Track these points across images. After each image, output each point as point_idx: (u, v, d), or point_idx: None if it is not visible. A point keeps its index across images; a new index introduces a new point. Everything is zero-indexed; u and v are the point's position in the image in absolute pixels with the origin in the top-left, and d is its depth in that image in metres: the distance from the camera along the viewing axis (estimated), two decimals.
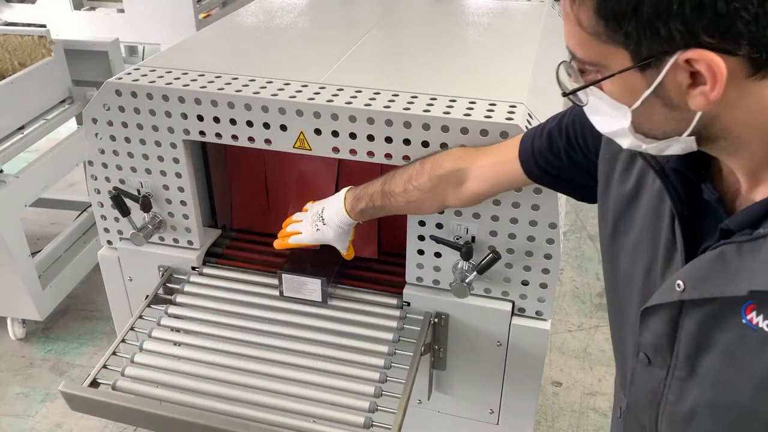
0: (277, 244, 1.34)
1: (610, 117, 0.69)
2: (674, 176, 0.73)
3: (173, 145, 1.32)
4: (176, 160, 1.34)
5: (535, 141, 1.01)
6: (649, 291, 0.77)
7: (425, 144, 1.18)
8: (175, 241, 1.46)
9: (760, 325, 0.63)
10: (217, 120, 1.26)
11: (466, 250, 1.23)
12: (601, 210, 0.90)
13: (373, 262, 1.46)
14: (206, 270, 1.45)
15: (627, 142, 0.69)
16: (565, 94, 0.71)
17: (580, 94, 0.69)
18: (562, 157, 0.97)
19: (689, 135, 0.64)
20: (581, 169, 0.95)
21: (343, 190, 1.25)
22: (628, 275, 0.83)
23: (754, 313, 0.63)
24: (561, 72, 0.71)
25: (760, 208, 0.64)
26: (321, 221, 1.27)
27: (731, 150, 0.65)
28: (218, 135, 1.28)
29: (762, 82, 0.59)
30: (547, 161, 0.99)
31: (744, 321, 0.64)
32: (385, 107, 1.18)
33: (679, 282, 0.70)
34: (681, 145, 0.66)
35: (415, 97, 1.22)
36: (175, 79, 1.30)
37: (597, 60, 0.64)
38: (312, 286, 1.32)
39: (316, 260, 1.37)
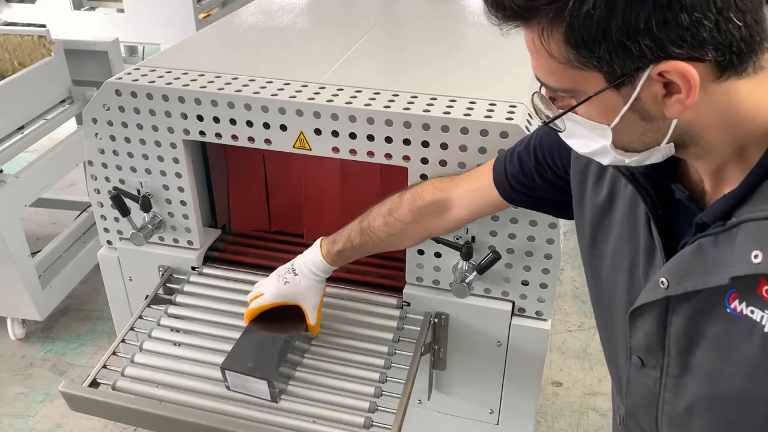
0: (246, 317, 1.24)
1: (588, 138, 0.71)
2: (644, 180, 0.76)
3: (173, 145, 1.32)
4: (176, 160, 1.34)
5: (507, 165, 1.03)
6: (634, 294, 0.78)
7: (425, 144, 1.18)
8: (175, 241, 1.46)
9: (744, 312, 0.64)
10: (217, 120, 1.26)
11: (466, 250, 1.23)
12: (578, 222, 0.93)
13: (373, 262, 1.46)
14: (206, 270, 1.45)
15: (608, 158, 0.72)
16: (545, 123, 0.73)
17: (557, 121, 0.71)
18: (534, 177, 0.99)
19: (668, 142, 0.67)
20: (554, 187, 0.97)
21: (317, 240, 1.22)
22: (611, 282, 0.85)
23: (737, 302, 0.65)
24: (536, 101, 0.73)
25: (730, 199, 0.66)
26: (291, 273, 1.22)
27: (701, 154, 0.69)
28: (218, 135, 1.28)
29: (726, 84, 0.63)
30: (520, 183, 1.01)
31: (728, 310, 0.66)
32: (385, 107, 1.18)
33: (663, 279, 0.71)
34: (661, 153, 0.69)
35: (415, 97, 1.22)
36: (174, 79, 1.30)
37: (571, 86, 0.66)
38: (258, 386, 1.12)
39: (265, 346, 1.18)
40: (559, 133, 0.74)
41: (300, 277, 1.21)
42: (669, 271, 0.72)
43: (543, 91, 0.71)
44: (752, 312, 0.64)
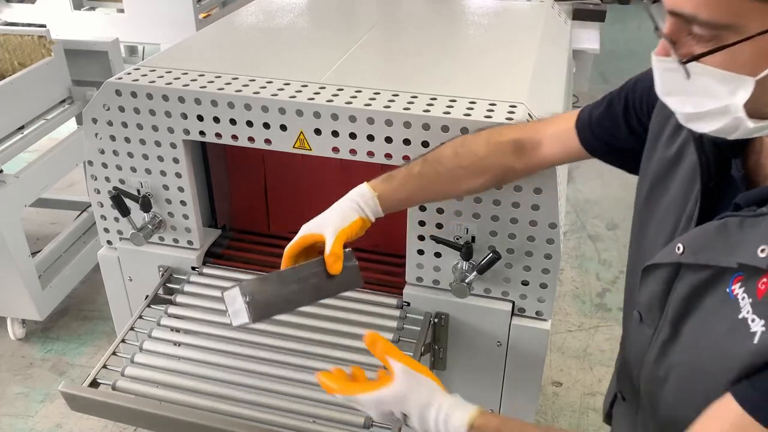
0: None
1: (707, 95, 0.60)
2: (710, 147, 0.72)
3: (173, 145, 1.32)
4: (176, 160, 1.34)
5: (593, 110, 0.98)
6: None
7: (425, 144, 1.18)
8: (175, 241, 1.46)
9: (738, 296, 0.65)
10: (216, 120, 1.26)
11: (466, 250, 1.23)
12: (641, 173, 0.88)
13: (373, 262, 1.46)
14: (206, 270, 1.45)
15: (722, 122, 0.61)
16: (685, 61, 0.60)
17: (682, 68, 0.59)
18: (619, 122, 0.93)
19: None
20: (634, 134, 0.91)
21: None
22: (653, 242, 0.82)
23: (737, 285, 0.66)
24: (672, 35, 0.61)
25: None
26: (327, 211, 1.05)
27: None
28: (218, 135, 1.28)
29: None
30: (603, 128, 0.95)
31: (728, 290, 0.67)
32: (385, 107, 1.18)
33: (679, 245, 0.72)
34: None
35: (415, 97, 1.22)
36: (174, 79, 1.30)
37: (728, 21, 0.55)
38: (237, 302, 0.97)
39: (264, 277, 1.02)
40: (659, 92, 0.66)
41: (332, 206, 1.05)
42: (688, 239, 0.71)
43: (674, 26, 0.59)
44: (743, 298, 0.65)
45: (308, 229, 1.04)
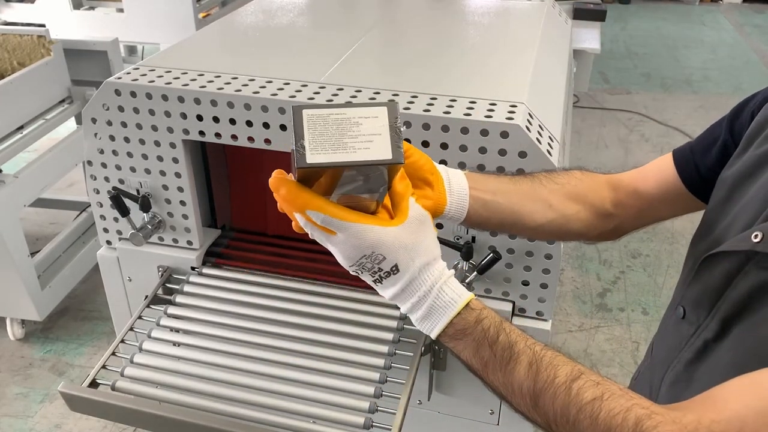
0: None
1: None
2: None
3: (172, 145, 1.32)
4: (175, 160, 1.34)
5: (693, 142, 0.92)
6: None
7: (425, 144, 1.18)
8: (175, 241, 1.46)
9: None
10: (216, 120, 1.26)
11: (466, 250, 1.23)
12: (722, 176, 0.84)
13: None
14: (206, 270, 1.44)
15: None
16: None
17: None
18: (721, 131, 0.88)
19: None
20: (727, 149, 0.86)
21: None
22: (723, 232, 0.78)
23: None
24: None
25: None
26: None
27: None
28: (218, 135, 1.28)
29: None
30: (701, 146, 0.90)
31: None
32: None
33: (758, 233, 0.67)
34: None
35: (415, 96, 1.22)
36: (174, 78, 1.29)
37: None
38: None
39: None
40: None
41: None
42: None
43: None
44: None
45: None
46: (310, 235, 0.70)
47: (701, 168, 0.90)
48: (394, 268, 0.70)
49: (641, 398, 0.64)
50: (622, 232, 0.99)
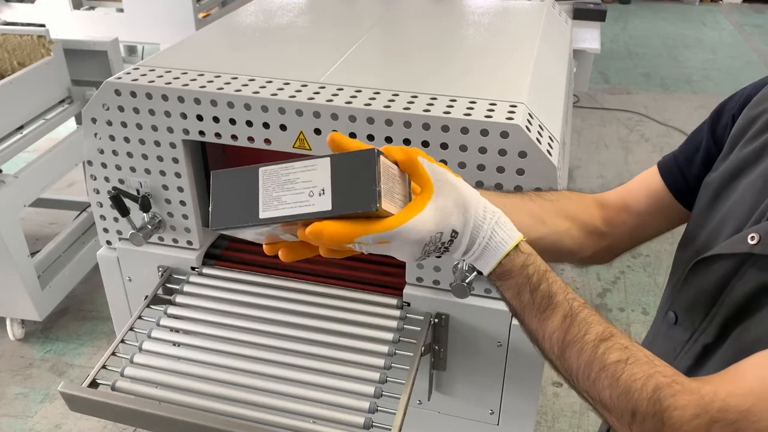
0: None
1: None
2: None
3: (172, 145, 1.32)
4: (175, 160, 1.34)
5: (677, 151, 0.92)
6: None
7: (425, 144, 1.17)
8: (175, 241, 1.46)
9: None
10: (216, 120, 1.26)
11: None
12: (708, 178, 0.84)
13: (373, 263, 1.46)
14: (206, 270, 1.44)
15: None
16: None
17: None
18: (703, 137, 0.88)
19: None
20: (710, 155, 0.86)
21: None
22: (712, 235, 0.78)
23: None
24: None
25: None
26: None
27: None
28: (218, 135, 1.28)
29: None
30: (684, 153, 0.90)
31: None
32: (385, 107, 1.18)
33: (754, 234, 0.67)
34: None
35: (415, 96, 1.22)
36: (174, 78, 1.29)
37: None
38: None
39: None
40: None
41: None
42: (766, 229, 0.67)
43: None
44: None
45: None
46: (365, 252, 0.71)
47: (687, 176, 0.90)
48: (453, 233, 0.70)
49: (666, 366, 0.65)
50: (616, 252, 0.99)
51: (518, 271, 0.71)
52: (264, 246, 0.76)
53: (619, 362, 0.65)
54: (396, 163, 0.70)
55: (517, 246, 0.71)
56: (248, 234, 0.74)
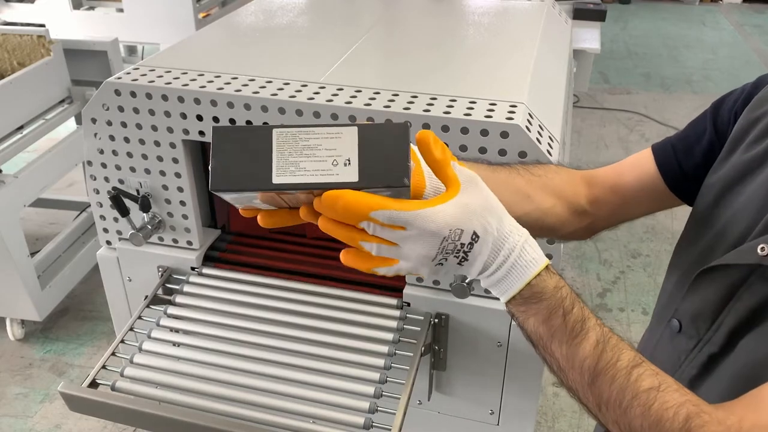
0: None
1: None
2: None
3: (172, 145, 1.32)
4: (175, 160, 1.34)
5: (673, 139, 0.90)
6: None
7: None
8: (175, 241, 1.45)
9: None
10: (216, 120, 1.26)
11: None
12: (709, 178, 0.82)
13: None
14: (206, 270, 1.44)
15: None
16: None
17: None
18: (705, 128, 0.86)
19: None
20: (712, 148, 0.85)
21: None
22: (716, 244, 0.77)
23: None
24: None
25: None
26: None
27: None
28: None
29: None
30: (684, 142, 0.88)
31: None
32: (385, 107, 1.18)
33: (764, 246, 0.66)
34: None
35: (415, 96, 1.22)
36: (174, 78, 1.29)
37: None
38: None
39: None
40: None
41: None
42: None
43: None
44: None
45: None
46: (375, 253, 0.65)
47: (684, 166, 0.88)
48: (474, 236, 0.64)
49: (692, 394, 0.64)
50: (596, 230, 0.97)
51: (551, 293, 0.67)
52: (240, 209, 0.71)
53: (651, 389, 0.63)
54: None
55: (547, 267, 0.67)
56: (230, 196, 0.68)
